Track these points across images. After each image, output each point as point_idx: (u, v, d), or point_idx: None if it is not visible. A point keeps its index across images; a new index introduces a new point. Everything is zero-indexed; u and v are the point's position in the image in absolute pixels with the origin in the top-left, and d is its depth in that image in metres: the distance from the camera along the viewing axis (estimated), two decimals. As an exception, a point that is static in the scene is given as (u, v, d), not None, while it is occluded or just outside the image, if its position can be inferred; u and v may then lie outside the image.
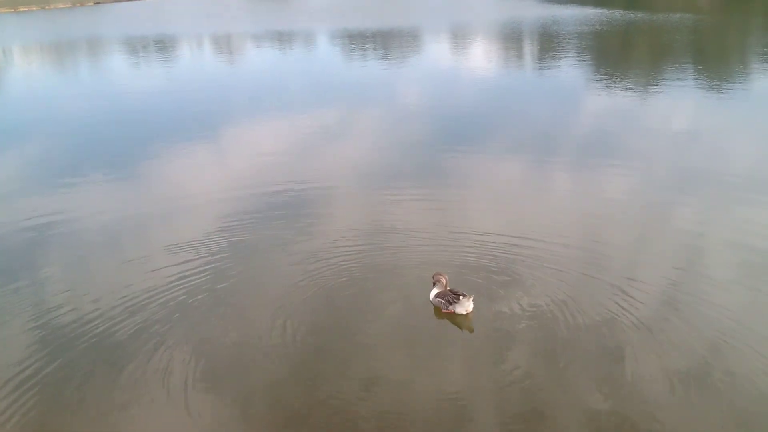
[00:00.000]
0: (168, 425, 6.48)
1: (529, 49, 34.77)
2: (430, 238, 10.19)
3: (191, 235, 10.72)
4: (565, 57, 29.57)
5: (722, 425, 5.94)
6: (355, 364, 7.25)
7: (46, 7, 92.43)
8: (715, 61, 28.86)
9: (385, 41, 40.72)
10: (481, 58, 31.34)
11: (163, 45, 43.92)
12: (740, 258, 9.08)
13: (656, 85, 22.94)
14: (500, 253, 9.55)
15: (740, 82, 22.84)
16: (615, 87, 23.04)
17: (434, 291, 8.46)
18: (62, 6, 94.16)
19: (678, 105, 19.65)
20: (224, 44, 44.45)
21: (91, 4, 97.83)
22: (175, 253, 10.11)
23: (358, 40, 42.26)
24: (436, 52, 35.13)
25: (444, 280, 8.45)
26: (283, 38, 44.96)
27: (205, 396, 6.83)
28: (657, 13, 47.97)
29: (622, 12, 50.05)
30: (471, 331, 7.85)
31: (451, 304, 8.18)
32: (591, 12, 50.91)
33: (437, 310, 8.29)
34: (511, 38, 39.26)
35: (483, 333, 7.75)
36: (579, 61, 28.85)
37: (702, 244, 9.73)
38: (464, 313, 8.16)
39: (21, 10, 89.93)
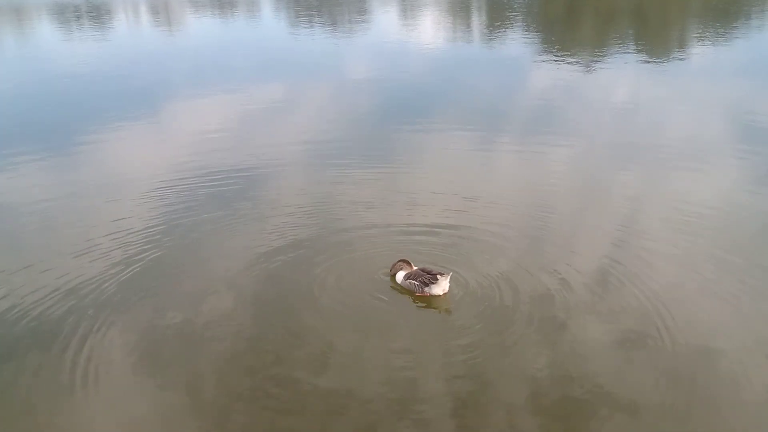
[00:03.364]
0: (107, 412, 6.12)
1: (477, 16, 34.56)
2: (377, 212, 9.97)
3: (128, 216, 10.17)
4: (512, 24, 29.49)
5: (657, 381, 6.15)
6: (304, 341, 7.04)
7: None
8: (658, 27, 29.22)
9: (332, 8, 39.83)
10: (429, 25, 30.95)
11: (97, 12, 41.87)
12: (675, 225, 9.33)
13: (600, 54, 23.06)
14: (443, 225, 9.35)
15: (683, 49, 23.16)
16: (559, 55, 23.08)
17: (402, 273, 7.58)
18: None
19: (620, 75, 19.88)
20: (162, 11, 42.69)
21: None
22: (111, 234, 9.56)
23: (303, 5, 41.23)
24: (383, 19, 34.54)
25: (407, 267, 7.62)
26: (224, 4, 43.46)
27: (147, 381, 6.52)
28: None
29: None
30: (449, 313, 7.21)
31: (426, 285, 7.32)
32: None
33: (409, 293, 7.53)
34: (458, 4, 38.93)
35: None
36: (525, 28, 28.81)
37: (639, 212, 9.90)
38: (441, 293, 7.39)
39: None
